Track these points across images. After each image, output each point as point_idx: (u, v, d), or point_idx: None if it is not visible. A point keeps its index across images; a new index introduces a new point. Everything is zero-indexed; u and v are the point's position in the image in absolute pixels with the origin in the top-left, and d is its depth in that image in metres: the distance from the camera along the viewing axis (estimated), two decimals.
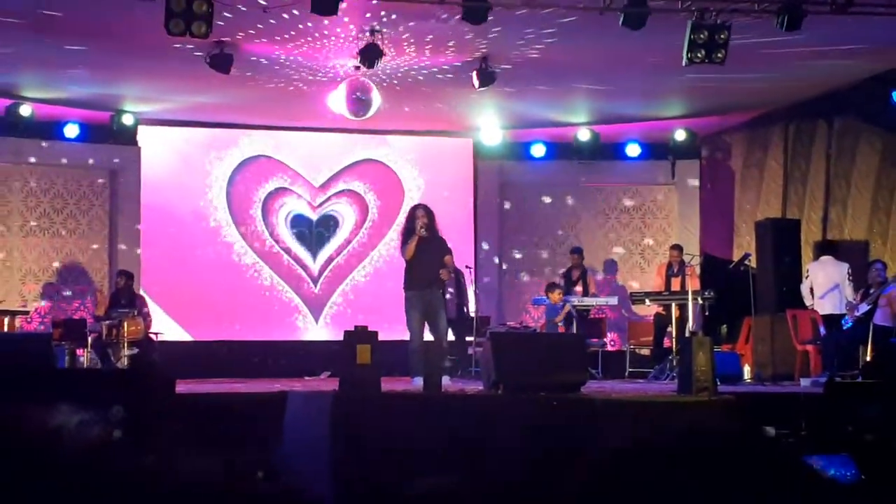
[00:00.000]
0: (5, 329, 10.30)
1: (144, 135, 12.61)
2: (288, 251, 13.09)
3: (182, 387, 7.17)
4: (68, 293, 12.37)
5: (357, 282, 13.27)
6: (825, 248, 11.18)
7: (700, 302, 11.29)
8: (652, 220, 13.93)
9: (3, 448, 1.96)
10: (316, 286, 13.16)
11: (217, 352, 12.38)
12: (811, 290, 10.72)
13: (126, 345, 10.74)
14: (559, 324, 11.58)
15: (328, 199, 13.26)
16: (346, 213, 13.31)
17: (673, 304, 11.30)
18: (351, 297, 13.22)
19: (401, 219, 12.21)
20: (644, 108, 12.36)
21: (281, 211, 13.12)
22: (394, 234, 12.81)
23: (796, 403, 7.56)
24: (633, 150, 13.71)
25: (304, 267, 13.13)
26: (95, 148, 12.52)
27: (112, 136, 12.35)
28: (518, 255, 13.88)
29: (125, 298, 11.41)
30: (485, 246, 13.71)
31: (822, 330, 10.59)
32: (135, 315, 11.12)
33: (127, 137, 12.41)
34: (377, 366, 7.63)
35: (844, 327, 10.09)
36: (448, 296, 11.11)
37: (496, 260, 13.75)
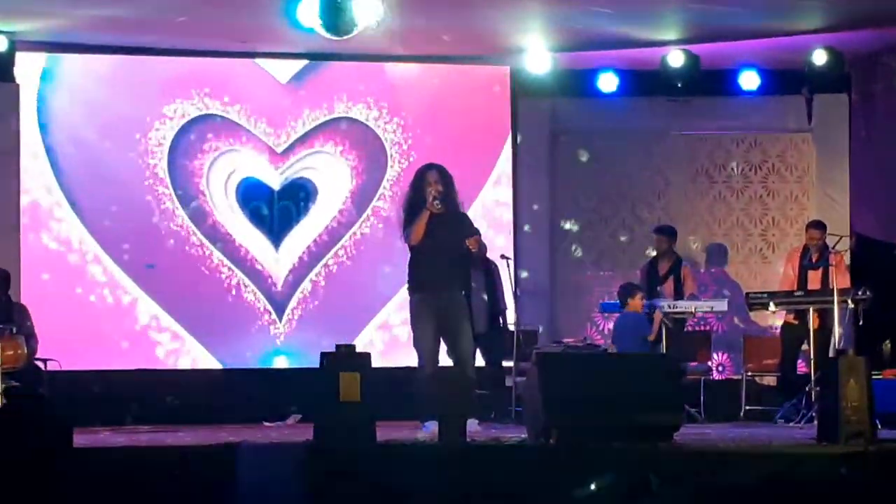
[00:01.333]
0: None
1: (24, 66, 12.64)
2: (233, 236, 13.10)
3: (82, 437, 7.20)
4: None
5: (340, 280, 13.28)
6: None
7: (851, 306, 11.25)
8: (778, 186, 13.88)
9: None
10: (279, 285, 13.18)
11: (133, 385, 12.41)
12: None
13: (1, 376, 10.79)
14: (645, 340, 11.55)
15: (296, 156, 13.27)
16: (322, 178, 13.32)
17: (810, 310, 11.25)
18: (330, 303, 13.24)
19: (401, 186, 12.25)
20: (766, 17, 12.30)
21: (226, 176, 13.14)
22: (388, 206, 12.82)
23: None
24: (748, 80, 13.66)
25: (260, 259, 13.14)
26: None
27: None
28: (577, 239, 13.86)
29: None
30: (526, 228, 13.71)
31: None
32: (11, 333, 11.16)
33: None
34: (370, 404, 7.65)
35: None
36: (476, 300, 11.14)
37: (545, 247, 13.74)
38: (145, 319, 12.85)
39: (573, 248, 13.85)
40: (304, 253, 13.18)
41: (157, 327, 12.87)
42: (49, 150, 12.76)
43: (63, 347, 11.76)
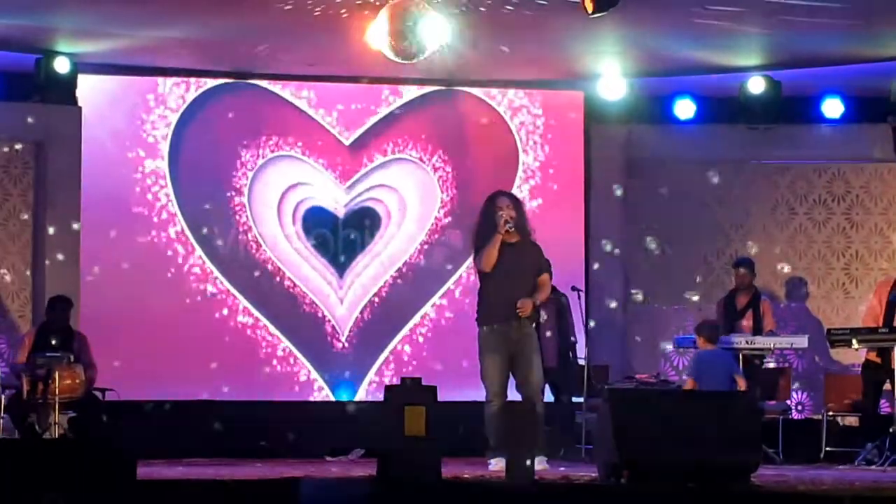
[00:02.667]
0: None
1: (86, 88, 12.81)
2: (298, 266, 13.17)
3: (145, 469, 7.26)
4: None
5: (406, 311, 13.33)
6: None
7: None
8: (862, 217, 13.79)
9: None
10: (343, 325, 13.23)
11: (194, 419, 12.50)
12: None
13: (58, 406, 10.89)
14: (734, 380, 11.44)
15: (362, 185, 13.34)
16: (388, 206, 13.38)
17: (895, 348, 11.16)
18: (391, 327, 13.31)
19: (470, 213, 12.28)
20: (850, 43, 12.25)
21: (289, 205, 13.22)
22: (458, 234, 12.86)
23: None
24: (832, 108, 13.59)
25: (323, 291, 13.20)
26: (11, 108, 12.73)
27: (38, 90, 12.55)
28: (651, 272, 13.83)
29: (57, 337, 11.55)
30: (598, 259, 13.69)
31: None
32: (71, 362, 11.27)
33: (60, 92, 12.60)
34: (436, 439, 7.66)
35: None
36: (547, 333, 11.15)
37: (619, 278, 13.73)
38: (196, 350, 12.95)
39: (648, 275, 13.80)
40: (366, 281, 13.25)
41: (210, 359, 12.97)
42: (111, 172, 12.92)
43: (121, 376, 11.90)
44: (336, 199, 13.25)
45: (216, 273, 13.00)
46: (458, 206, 13.23)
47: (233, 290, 13.02)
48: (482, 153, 13.49)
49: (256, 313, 13.06)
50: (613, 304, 13.64)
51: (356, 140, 13.30)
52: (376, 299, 13.26)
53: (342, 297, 13.21)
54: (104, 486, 6.43)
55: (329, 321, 13.17)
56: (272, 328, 13.07)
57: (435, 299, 13.30)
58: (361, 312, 13.22)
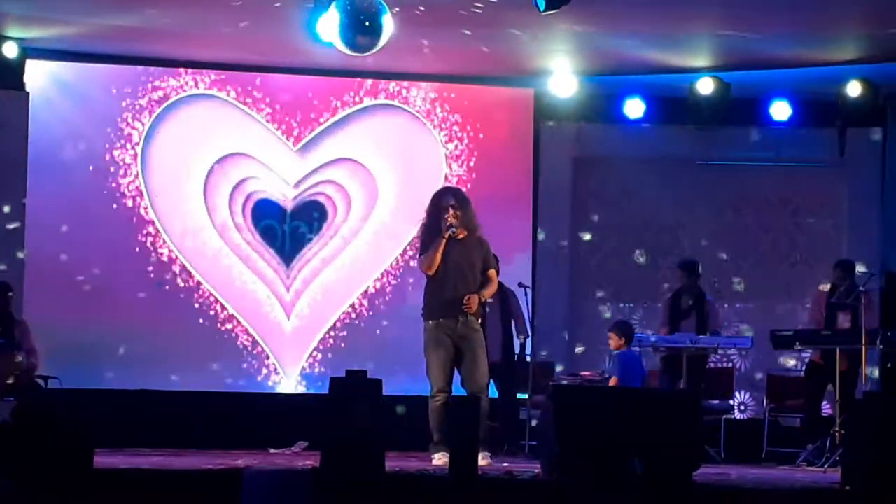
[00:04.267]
0: None
1: (34, 74, 12.76)
2: (246, 257, 13.17)
3: (100, 458, 7.25)
4: None
5: (351, 304, 13.35)
6: None
7: (880, 348, 11.25)
8: (808, 221, 13.90)
9: None
10: (289, 313, 13.24)
11: (135, 408, 12.47)
12: None
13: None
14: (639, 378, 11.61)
15: (310, 178, 13.34)
16: (336, 201, 13.39)
17: (837, 351, 11.26)
18: (340, 329, 13.31)
19: (417, 210, 12.32)
20: (800, 46, 12.33)
21: (239, 196, 13.21)
22: (405, 230, 12.88)
23: None
24: (780, 110, 13.70)
25: (272, 281, 13.21)
26: None
27: None
28: (598, 270, 13.90)
29: None
30: (547, 249, 13.73)
31: None
32: (12, 349, 11.22)
33: (8, 77, 12.55)
34: (379, 433, 7.68)
35: None
36: (491, 328, 11.18)
37: (565, 275, 13.78)
38: (147, 338, 12.92)
39: (594, 273, 13.87)
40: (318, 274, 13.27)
41: (160, 348, 12.94)
42: (56, 160, 12.87)
43: (64, 364, 11.86)
44: (284, 193, 13.27)
45: (166, 258, 13.00)
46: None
47: (188, 268, 13.04)
48: (428, 149, 13.55)
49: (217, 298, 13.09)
50: (557, 302, 13.68)
51: (304, 144, 13.33)
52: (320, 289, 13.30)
53: (289, 286, 13.22)
54: (60, 475, 6.41)
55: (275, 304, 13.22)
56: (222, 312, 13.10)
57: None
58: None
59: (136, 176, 13.01)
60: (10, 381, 11.01)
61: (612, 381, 11.55)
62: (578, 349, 13.72)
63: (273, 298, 13.20)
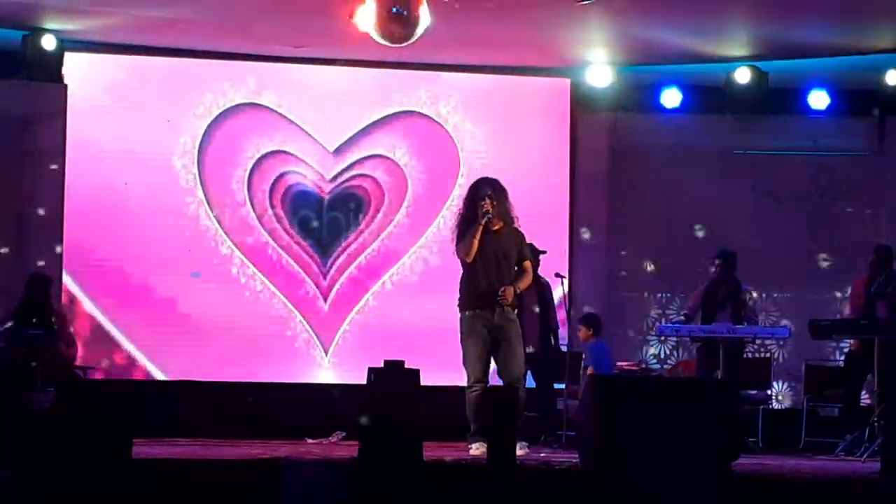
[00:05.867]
0: None
1: (73, 66, 12.82)
2: (288, 247, 13.21)
3: (138, 448, 7.29)
4: None
5: (388, 296, 13.36)
6: None
7: None
8: (847, 209, 13.84)
9: None
10: (326, 302, 13.28)
11: (172, 398, 12.52)
12: None
13: (40, 384, 10.89)
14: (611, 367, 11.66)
15: (348, 169, 13.37)
16: (372, 192, 13.42)
17: (876, 341, 11.21)
18: (378, 320, 13.34)
19: (455, 201, 12.35)
20: (838, 35, 12.29)
21: (278, 186, 13.25)
22: (443, 222, 12.87)
23: None
24: (818, 99, 13.65)
25: (309, 272, 13.25)
26: None
27: (24, 67, 12.56)
28: (634, 259, 13.88)
29: (38, 315, 11.58)
30: (583, 240, 13.74)
31: None
32: (52, 340, 11.28)
33: (46, 70, 12.61)
34: (417, 423, 7.69)
35: None
36: (529, 319, 11.17)
37: (601, 265, 13.77)
38: (185, 329, 12.99)
39: (631, 262, 13.85)
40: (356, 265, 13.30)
41: (199, 338, 13.00)
42: (94, 152, 12.93)
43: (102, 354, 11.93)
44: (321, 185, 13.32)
45: (202, 249, 13.05)
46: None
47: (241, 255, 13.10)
48: (475, 134, 13.57)
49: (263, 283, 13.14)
50: (595, 292, 13.67)
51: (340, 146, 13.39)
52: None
53: (326, 275, 13.26)
54: (99, 464, 6.45)
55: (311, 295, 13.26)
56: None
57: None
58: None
59: (175, 169, 13.04)
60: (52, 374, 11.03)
61: (590, 371, 11.59)
62: (615, 339, 13.68)
63: (311, 288, 13.22)
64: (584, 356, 12.37)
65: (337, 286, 13.30)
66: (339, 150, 13.35)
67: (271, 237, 13.20)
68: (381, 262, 13.38)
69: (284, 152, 13.28)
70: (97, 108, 12.94)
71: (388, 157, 13.46)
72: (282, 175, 13.28)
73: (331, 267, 13.29)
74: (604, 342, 12.07)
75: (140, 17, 12.02)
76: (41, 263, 12.58)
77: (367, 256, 13.35)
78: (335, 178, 13.35)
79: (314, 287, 13.25)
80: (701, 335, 11.98)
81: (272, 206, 13.23)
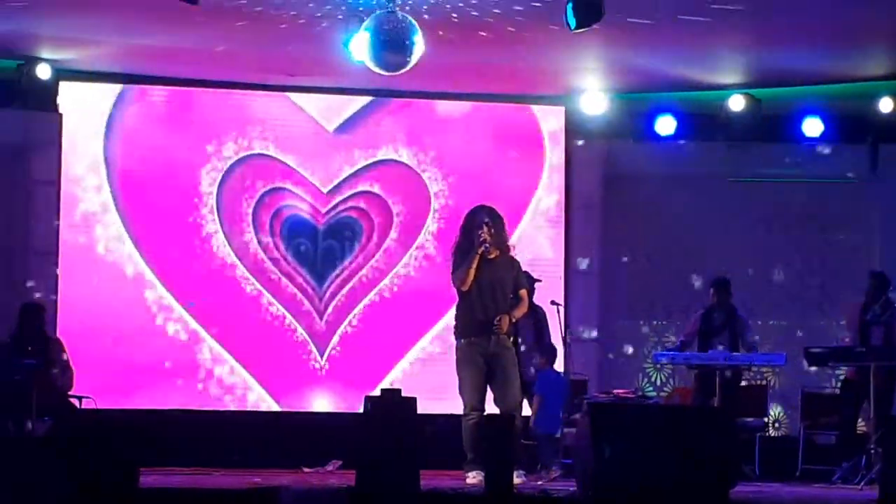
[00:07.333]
0: None
1: (68, 95, 12.83)
2: (284, 272, 13.21)
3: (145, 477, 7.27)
4: None
5: (385, 323, 13.34)
6: None
7: None
8: (839, 235, 13.84)
9: None
10: (321, 321, 13.27)
11: (167, 427, 12.46)
12: None
13: (35, 412, 10.85)
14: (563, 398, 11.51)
15: (342, 196, 13.37)
16: (368, 217, 13.42)
17: (872, 368, 11.20)
18: (373, 348, 13.32)
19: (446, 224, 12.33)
20: (831, 62, 12.31)
21: (275, 214, 13.27)
22: (433, 246, 12.88)
23: None
24: (811, 126, 13.66)
25: (306, 298, 13.24)
26: None
27: (19, 96, 12.58)
28: (629, 287, 13.87)
29: (33, 343, 11.55)
30: (581, 268, 13.72)
31: None
32: (46, 369, 11.24)
33: (41, 99, 12.62)
34: (414, 451, 7.66)
35: None
36: (524, 347, 11.15)
37: (596, 293, 13.76)
38: (180, 358, 12.97)
39: (626, 290, 13.84)
40: (347, 292, 13.27)
41: (190, 367, 12.98)
42: (89, 181, 12.92)
43: (97, 384, 11.90)
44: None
45: (198, 277, 13.03)
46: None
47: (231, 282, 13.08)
48: (467, 162, 13.57)
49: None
50: (590, 320, 13.65)
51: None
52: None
53: (322, 305, 13.25)
54: (100, 495, 6.42)
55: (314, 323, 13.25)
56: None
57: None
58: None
59: (170, 196, 13.04)
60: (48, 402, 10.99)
61: (536, 400, 11.38)
62: (611, 367, 13.66)
63: (307, 314, 13.20)
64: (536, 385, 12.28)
65: (330, 308, 13.30)
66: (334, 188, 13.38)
67: (267, 266, 13.19)
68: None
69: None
70: (92, 136, 12.93)
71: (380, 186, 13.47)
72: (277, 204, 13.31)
73: (325, 291, 13.28)
74: (556, 372, 11.81)
75: (135, 47, 12.03)
76: (38, 295, 12.54)
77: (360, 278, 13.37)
78: (331, 207, 13.36)
79: (312, 310, 13.24)
80: (697, 363, 11.96)
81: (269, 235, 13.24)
